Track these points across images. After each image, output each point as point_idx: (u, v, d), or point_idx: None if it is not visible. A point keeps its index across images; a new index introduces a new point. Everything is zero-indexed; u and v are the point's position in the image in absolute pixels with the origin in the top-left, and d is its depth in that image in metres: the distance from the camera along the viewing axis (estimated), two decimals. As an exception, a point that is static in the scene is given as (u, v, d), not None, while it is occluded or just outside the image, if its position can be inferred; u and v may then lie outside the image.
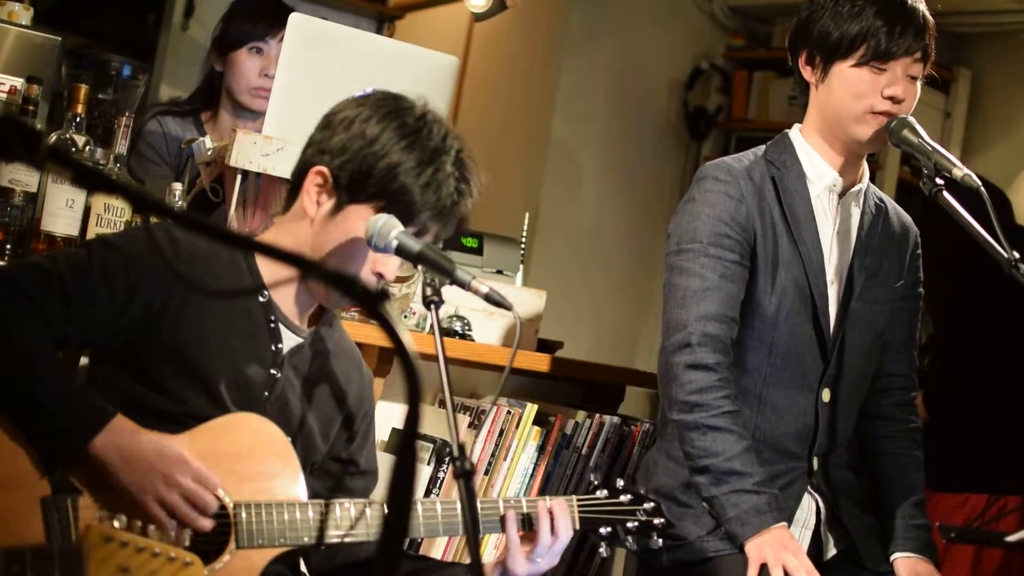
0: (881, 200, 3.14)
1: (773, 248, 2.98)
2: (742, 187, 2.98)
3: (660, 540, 2.78)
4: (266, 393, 2.53)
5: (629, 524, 2.75)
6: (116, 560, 2.20)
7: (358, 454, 2.72)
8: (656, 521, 2.76)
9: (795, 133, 3.07)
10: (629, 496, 2.77)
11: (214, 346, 2.46)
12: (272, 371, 2.54)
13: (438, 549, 3.28)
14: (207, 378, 2.45)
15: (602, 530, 2.74)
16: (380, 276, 2.55)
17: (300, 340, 2.59)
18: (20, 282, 2.33)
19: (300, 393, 2.59)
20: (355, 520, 2.50)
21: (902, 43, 2.91)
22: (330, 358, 2.65)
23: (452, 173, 2.53)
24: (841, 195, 3.05)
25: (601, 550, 2.77)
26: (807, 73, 3.02)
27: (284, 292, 2.56)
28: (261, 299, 2.54)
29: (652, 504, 2.77)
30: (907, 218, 3.20)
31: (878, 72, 2.93)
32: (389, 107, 2.54)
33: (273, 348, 2.54)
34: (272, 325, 2.55)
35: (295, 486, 2.48)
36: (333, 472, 2.68)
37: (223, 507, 2.39)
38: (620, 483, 2.79)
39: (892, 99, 2.92)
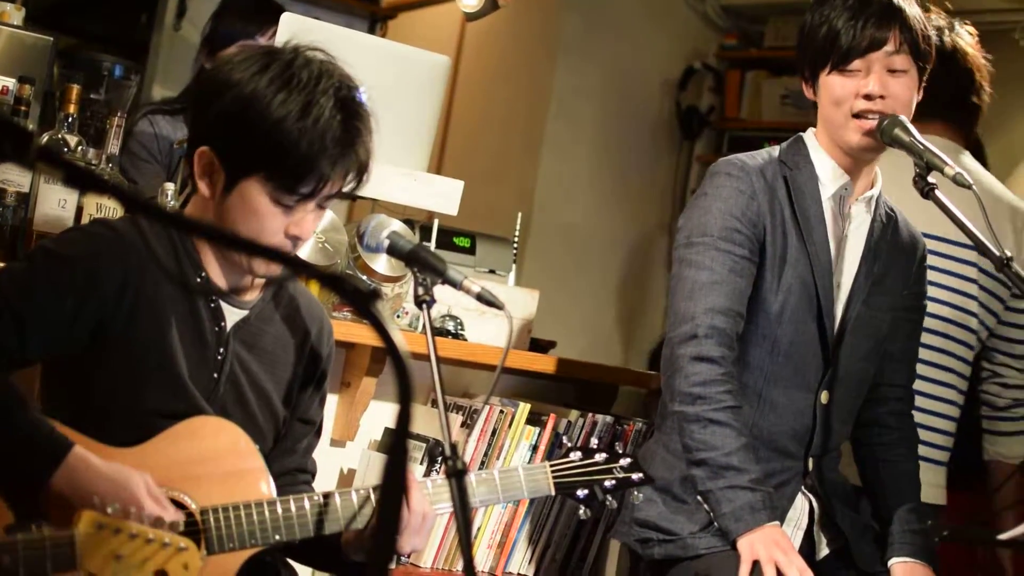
0: (891, 210, 3.14)
1: (782, 246, 2.98)
2: (754, 184, 2.98)
3: (640, 495, 2.76)
4: (214, 375, 2.50)
5: (607, 483, 2.70)
6: (109, 547, 2.19)
7: (315, 411, 2.70)
8: (634, 476, 2.72)
9: (809, 136, 3.07)
10: (604, 455, 2.72)
11: (168, 338, 2.43)
12: (219, 351, 2.50)
13: (430, 549, 3.28)
14: (168, 371, 2.42)
15: (579, 492, 2.69)
16: (296, 238, 2.47)
17: (244, 312, 2.55)
18: None
19: (253, 365, 2.55)
20: (327, 514, 2.47)
21: (863, 37, 2.91)
22: (281, 321, 2.61)
23: (334, 114, 2.40)
24: (853, 200, 3.05)
25: (580, 513, 2.71)
26: (806, 90, 3.04)
27: (222, 268, 2.50)
28: (199, 280, 2.49)
29: (629, 460, 2.73)
30: (915, 230, 3.19)
31: (850, 74, 2.93)
32: (256, 63, 2.42)
33: (216, 328, 2.50)
34: (212, 305, 2.50)
35: (262, 484, 2.45)
36: (293, 431, 2.65)
37: (190, 514, 2.36)
38: (594, 442, 2.76)
39: (867, 97, 2.92)
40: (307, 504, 2.45)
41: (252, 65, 2.41)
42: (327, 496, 2.48)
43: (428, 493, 2.54)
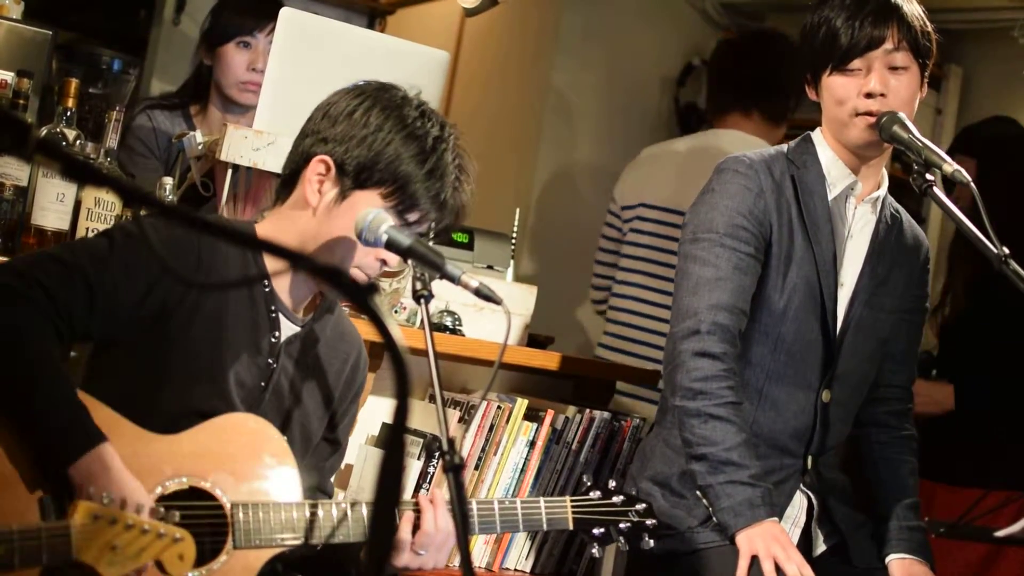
0: (897, 211, 3.15)
1: (788, 244, 2.98)
2: (761, 181, 2.99)
3: (651, 541, 2.80)
4: (262, 383, 2.54)
5: (622, 525, 2.79)
6: (105, 538, 2.20)
7: (342, 432, 2.76)
8: (648, 522, 2.80)
9: (817, 135, 3.07)
10: (621, 497, 2.80)
11: (223, 338, 2.48)
12: (269, 360, 2.55)
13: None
14: (216, 371, 2.46)
15: (595, 531, 2.79)
16: (383, 262, 2.57)
17: (297, 329, 2.61)
18: (40, 276, 2.32)
19: (297, 381, 2.60)
20: (352, 521, 2.51)
21: (861, 36, 2.91)
22: (326, 344, 2.67)
23: (452, 162, 2.58)
24: (860, 200, 3.05)
25: (594, 551, 2.80)
26: (809, 92, 3.05)
27: (284, 281, 2.58)
28: (264, 289, 2.55)
29: (644, 505, 2.81)
30: (920, 232, 3.20)
31: (851, 74, 2.93)
32: (388, 98, 2.58)
33: (271, 338, 2.55)
34: (272, 315, 2.56)
35: (292, 487, 2.49)
36: (319, 450, 2.71)
37: (220, 507, 2.39)
38: (612, 484, 2.83)
39: (869, 95, 2.92)
40: (335, 512, 2.50)
41: (383, 98, 2.57)
42: (354, 505, 2.53)
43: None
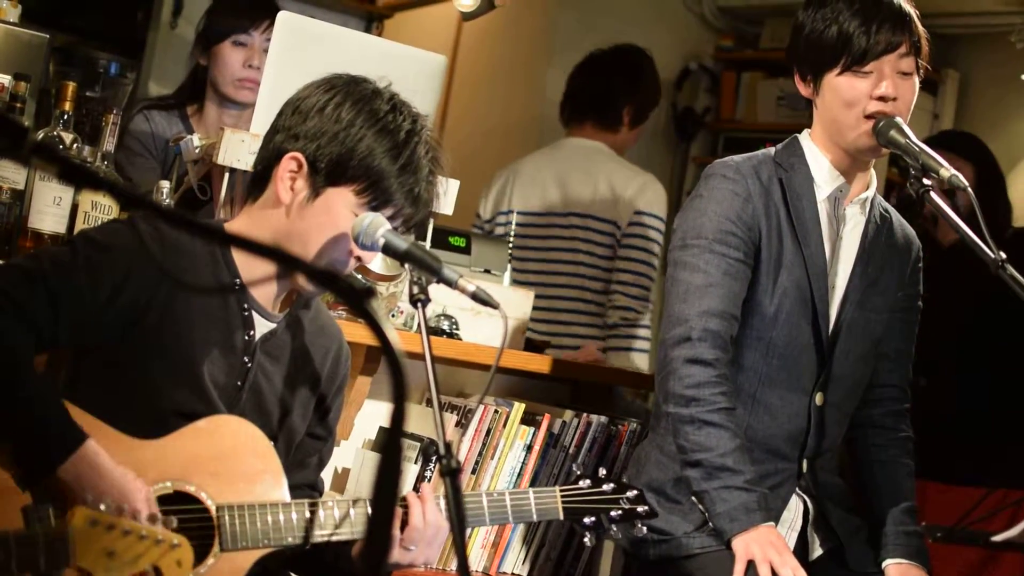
0: (887, 211, 3.14)
1: (777, 248, 2.98)
2: (749, 186, 2.99)
3: (644, 528, 2.79)
4: (238, 382, 2.52)
5: (613, 513, 2.75)
6: (102, 544, 2.19)
7: (331, 423, 2.74)
8: (640, 509, 2.76)
9: (805, 137, 3.07)
10: (612, 485, 2.77)
11: (197, 339, 2.46)
12: (244, 359, 2.53)
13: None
14: (193, 372, 2.44)
15: (586, 519, 2.74)
16: (359, 260, 2.54)
17: (273, 325, 2.58)
18: (3, 286, 2.30)
19: (277, 378, 2.58)
20: (340, 520, 2.50)
21: (880, 39, 2.92)
22: (305, 338, 2.64)
23: (425, 155, 2.54)
24: (848, 202, 3.05)
25: (586, 539, 2.76)
26: (803, 89, 3.04)
27: (257, 279, 2.54)
28: (235, 288, 2.52)
29: (635, 492, 2.77)
30: (910, 231, 3.20)
31: (863, 76, 2.93)
32: (359, 92, 2.54)
33: (245, 337, 2.53)
34: (245, 313, 2.53)
35: (278, 487, 2.47)
36: (303, 445, 2.69)
37: (206, 510, 2.38)
38: (602, 472, 2.81)
39: (882, 99, 2.92)
40: (322, 511, 2.48)
41: (354, 92, 2.54)
42: (343, 505, 2.51)
43: (442, 508, 2.55)
